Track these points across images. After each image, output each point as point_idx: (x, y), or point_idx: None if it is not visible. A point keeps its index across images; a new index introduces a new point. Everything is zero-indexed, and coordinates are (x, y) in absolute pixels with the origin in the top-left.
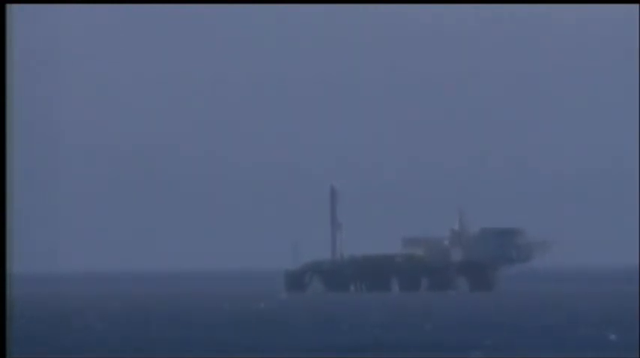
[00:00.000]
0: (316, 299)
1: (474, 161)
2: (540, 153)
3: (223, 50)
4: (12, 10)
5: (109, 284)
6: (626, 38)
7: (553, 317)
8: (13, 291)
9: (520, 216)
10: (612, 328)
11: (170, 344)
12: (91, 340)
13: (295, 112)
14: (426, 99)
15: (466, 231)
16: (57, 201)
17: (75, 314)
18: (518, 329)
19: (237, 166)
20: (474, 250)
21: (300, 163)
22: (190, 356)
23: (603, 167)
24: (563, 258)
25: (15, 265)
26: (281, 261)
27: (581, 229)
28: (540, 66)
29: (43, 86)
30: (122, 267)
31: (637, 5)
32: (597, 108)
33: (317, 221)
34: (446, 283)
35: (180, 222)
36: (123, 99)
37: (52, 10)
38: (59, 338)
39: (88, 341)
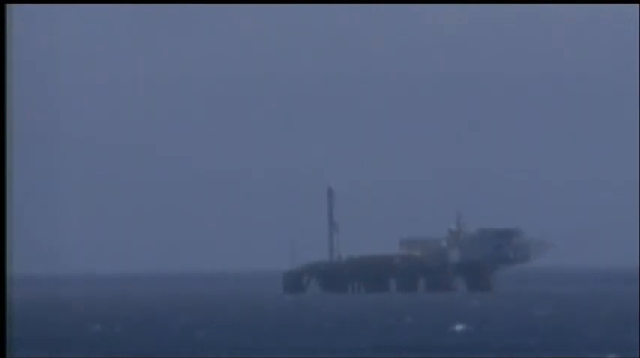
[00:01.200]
0: (315, 300)
1: (472, 162)
2: (538, 153)
3: (223, 51)
4: (12, 10)
5: (110, 286)
6: (626, 38)
7: (553, 317)
8: (14, 293)
9: (518, 216)
10: (613, 328)
11: (171, 345)
12: (105, 342)
13: (293, 113)
14: (424, 101)
15: (464, 232)
16: (58, 202)
17: (87, 317)
18: (519, 329)
19: (235, 167)
20: (472, 251)
21: (297, 164)
22: (191, 356)
23: (603, 167)
24: (561, 258)
25: (16, 266)
26: (279, 262)
27: (579, 230)
28: (539, 66)
29: (43, 86)
30: (122, 268)
31: (637, 5)
32: (597, 107)
33: (314, 222)
34: (444, 284)
35: (179, 224)
36: (123, 99)
37: (52, 10)
38: (76, 342)
39: (104, 342)
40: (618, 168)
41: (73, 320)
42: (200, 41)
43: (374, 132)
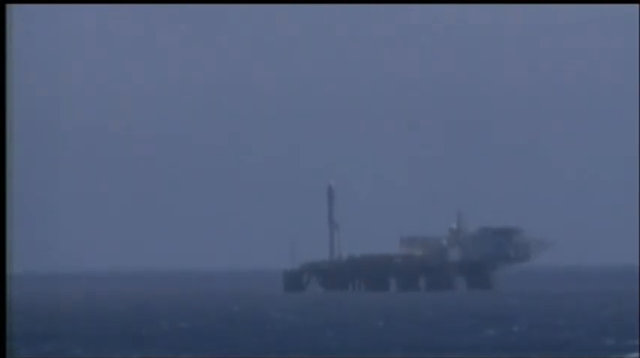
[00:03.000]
0: (315, 299)
1: (473, 160)
2: (539, 152)
3: (222, 51)
4: (12, 10)
5: (109, 285)
6: (626, 38)
7: (554, 317)
8: (13, 291)
9: (518, 215)
10: (613, 328)
11: (171, 344)
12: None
13: (293, 113)
14: (424, 99)
15: (464, 231)
16: (57, 202)
17: (87, 316)
18: (521, 328)
19: (234, 167)
20: (472, 249)
21: (297, 163)
22: (191, 356)
23: (602, 166)
24: (561, 257)
25: (15, 265)
26: (279, 261)
27: (579, 228)
28: (540, 66)
29: (43, 86)
30: (121, 266)
31: (637, 5)
32: (597, 108)
33: (314, 221)
34: (444, 283)
35: (179, 223)
36: (122, 99)
37: (52, 10)
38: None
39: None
40: (618, 167)
41: (73, 319)
42: (200, 40)
43: (374, 131)
